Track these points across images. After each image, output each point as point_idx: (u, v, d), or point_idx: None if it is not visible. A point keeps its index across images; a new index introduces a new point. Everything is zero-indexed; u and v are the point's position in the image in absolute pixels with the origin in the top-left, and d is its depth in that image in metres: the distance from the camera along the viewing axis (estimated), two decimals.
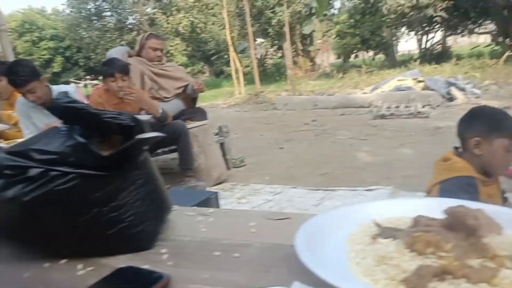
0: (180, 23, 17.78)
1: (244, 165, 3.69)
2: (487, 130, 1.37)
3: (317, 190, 2.85)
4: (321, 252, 0.67)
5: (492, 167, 1.43)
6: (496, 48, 13.55)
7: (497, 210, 0.76)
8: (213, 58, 19.79)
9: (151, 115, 2.85)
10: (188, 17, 17.83)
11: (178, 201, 1.75)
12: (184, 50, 19.85)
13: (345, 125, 5.38)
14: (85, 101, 2.82)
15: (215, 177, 3.11)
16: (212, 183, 3.07)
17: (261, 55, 19.06)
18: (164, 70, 3.47)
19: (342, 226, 0.77)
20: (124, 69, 2.86)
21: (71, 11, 19.38)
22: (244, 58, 17.71)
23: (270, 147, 4.45)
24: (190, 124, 3.13)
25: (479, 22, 16.00)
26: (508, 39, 13.66)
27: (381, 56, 18.22)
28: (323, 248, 0.69)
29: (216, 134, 3.54)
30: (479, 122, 1.41)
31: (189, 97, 3.60)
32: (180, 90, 3.48)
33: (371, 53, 17.99)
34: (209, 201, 1.74)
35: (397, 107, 5.62)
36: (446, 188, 1.40)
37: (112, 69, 2.79)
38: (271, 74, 16.45)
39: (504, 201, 1.62)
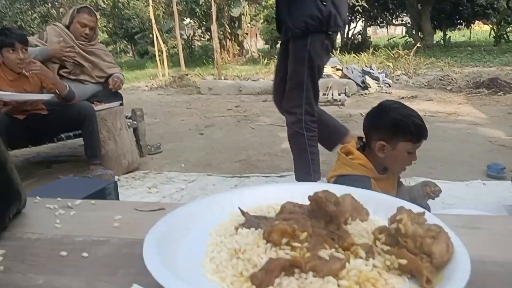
0: None
1: (160, 152, 3.55)
2: (391, 134, 1.42)
3: (232, 177, 2.83)
4: (179, 247, 0.62)
5: (392, 167, 1.50)
6: (409, 39, 14.57)
7: (368, 195, 0.78)
8: (137, 36, 18.85)
9: (53, 94, 2.60)
10: None
11: (68, 192, 1.60)
12: (105, 26, 18.65)
13: (267, 111, 5.43)
14: None
15: (125, 165, 2.94)
16: (122, 172, 2.90)
17: (189, 36, 18.54)
18: (92, 52, 3.20)
19: (213, 215, 0.73)
20: (24, 39, 2.59)
21: None
22: (171, 39, 17.12)
23: (190, 133, 4.34)
24: (98, 106, 2.92)
25: (396, 14, 17.08)
26: (420, 32, 14.79)
27: None
28: (184, 241, 0.64)
29: (129, 118, 3.34)
30: (385, 125, 1.44)
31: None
32: (101, 80, 3.27)
33: None
34: (105, 191, 1.62)
35: None
36: (341, 183, 1.45)
37: (11, 39, 2.50)
38: (199, 56, 16.12)
39: (399, 185, 1.72)
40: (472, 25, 17.74)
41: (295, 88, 2.17)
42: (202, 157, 3.39)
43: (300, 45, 2.10)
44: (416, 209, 0.63)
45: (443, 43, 15.11)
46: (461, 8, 15.36)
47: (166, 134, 4.32)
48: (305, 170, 2.24)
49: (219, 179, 2.80)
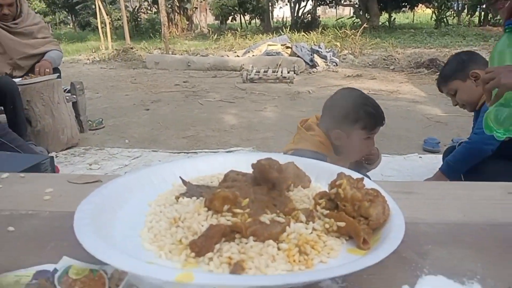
0: None
1: (102, 128, 3.40)
2: (347, 123, 1.41)
3: (179, 153, 2.78)
4: (116, 218, 0.59)
5: (347, 154, 1.50)
6: (356, 20, 14.90)
7: (310, 163, 0.78)
8: (78, 7, 17.69)
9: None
10: None
11: None
12: None
13: (216, 87, 5.35)
14: None
15: (64, 141, 2.78)
16: (60, 148, 2.74)
17: (134, 8, 17.69)
18: (21, 32, 2.78)
19: (154, 186, 0.70)
20: None
21: None
22: (115, 10, 16.26)
23: (134, 108, 4.19)
24: (32, 79, 2.71)
25: None
26: (367, 13, 15.17)
27: (257, 21, 18.55)
28: (121, 212, 0.61)
29: (68, 92, 3.15)
30: (339, 114, 1.43)
31: None
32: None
33: (248, 17, 18.18)
34: (41, 167, 1.51)
35: (266, 71, 5.78)
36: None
37: None
38: (145, 30, 15.43)
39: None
40: (415, 8, 18.44)
41: None
42: (148, 133, 3.29)
43: None
44: (355, 175, 0.64)
45: (388, 24, 15.61)
46: None
47: (109, 109, 4.13)
48: None
49: (165, 155, 2.73)
